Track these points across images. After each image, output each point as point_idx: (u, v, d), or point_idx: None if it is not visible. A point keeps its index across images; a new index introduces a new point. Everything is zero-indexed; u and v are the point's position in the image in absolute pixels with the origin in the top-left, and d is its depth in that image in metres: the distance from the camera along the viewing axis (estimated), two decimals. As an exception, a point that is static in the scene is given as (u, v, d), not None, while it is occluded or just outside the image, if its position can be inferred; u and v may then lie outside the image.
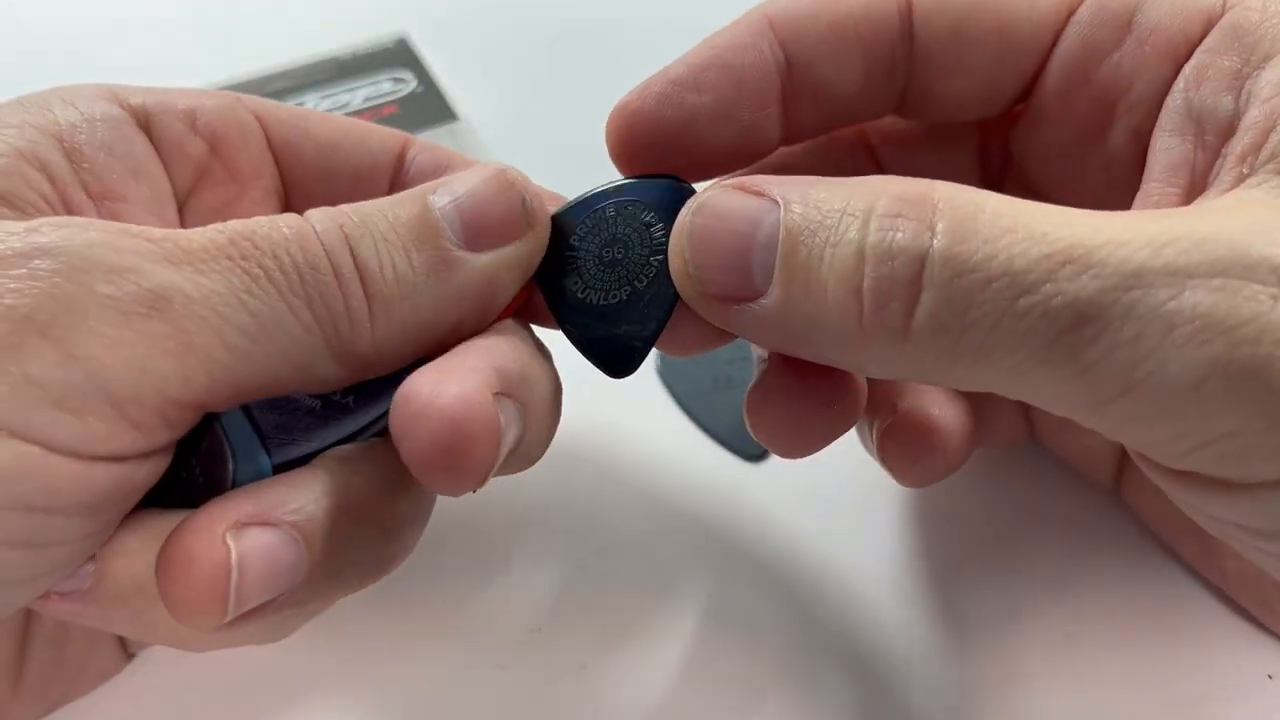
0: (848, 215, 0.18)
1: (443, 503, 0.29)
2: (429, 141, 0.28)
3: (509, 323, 0.23)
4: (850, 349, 0.19)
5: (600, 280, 0.23)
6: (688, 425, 0.31)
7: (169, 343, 0.18)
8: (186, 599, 0.18)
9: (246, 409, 0.21)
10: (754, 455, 0.30)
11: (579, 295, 0.23)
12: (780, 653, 0.26)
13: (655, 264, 0.22)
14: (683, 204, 0.21)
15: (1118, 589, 0.26)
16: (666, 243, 0.22)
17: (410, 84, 0.40)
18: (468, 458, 0.19)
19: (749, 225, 0.19)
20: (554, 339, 0.24)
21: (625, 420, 0.31)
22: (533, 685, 0.25)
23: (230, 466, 0.20)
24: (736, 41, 0.23)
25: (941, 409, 0.23)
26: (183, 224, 0.24)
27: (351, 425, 0.22)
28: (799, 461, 0.29)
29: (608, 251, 0.23)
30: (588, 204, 0.23)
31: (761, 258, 0.19)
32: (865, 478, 0.29)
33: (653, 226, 0.23)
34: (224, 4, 0.51)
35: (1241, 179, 0.18)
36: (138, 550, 0.19)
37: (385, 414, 0.21)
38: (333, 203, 0.21)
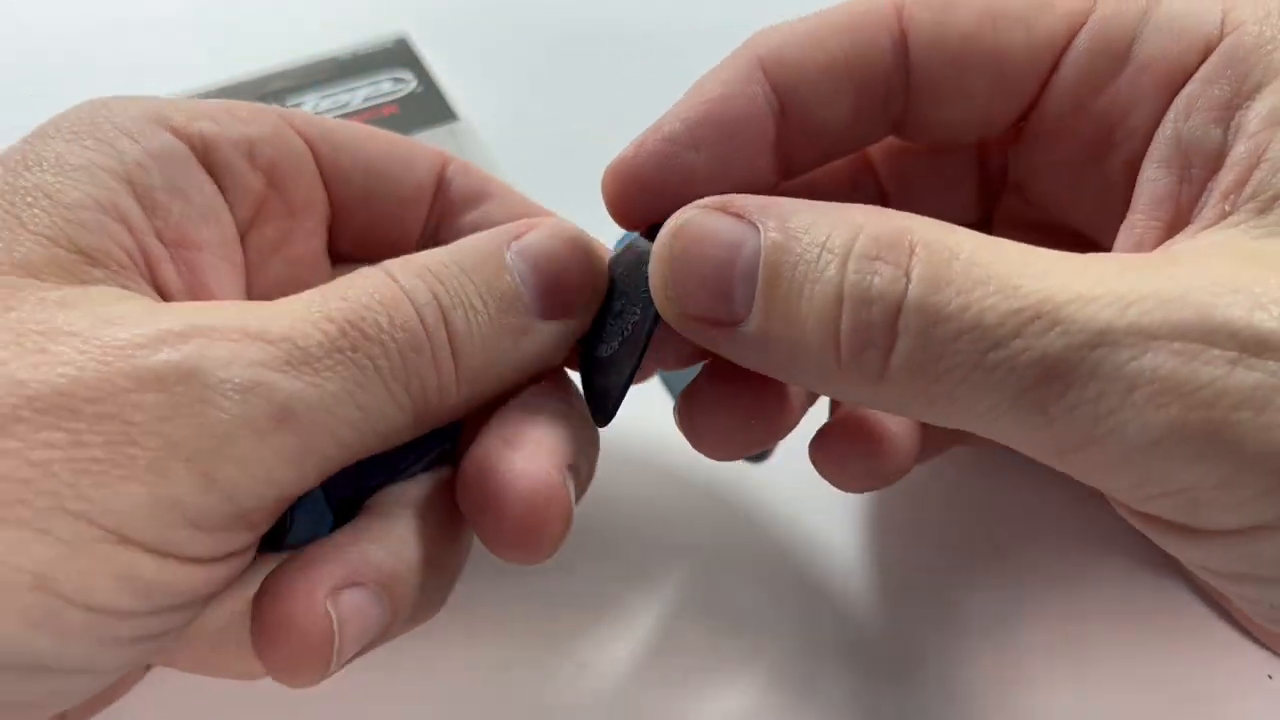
0: (827, 251, 0.18)
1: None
2: (464, 161, 0.28)
3: (564, 380, 0.24)
4: (828, 382, 0.19)
5: (610, 333, 0.23)
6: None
7: (293, 452, 0.18)
8: (291, 663, 0.19)
9: None
10: (754, 455, 0.30)
11: (596, 350, 0.23)
12: (780, 653, 0.26)
13: (635, 319, 0.22)
14: None
15: (1117, 589, 0.26)
16: None
17: (410, 84, 0.40)
18: (545, 537, 0.20)
19: (729, 250, 0.19)
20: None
21: (625, 420, 0.31)
22: (533, 685, 0.25)
23: (289, 512, 0.21)
24: (729, 90, 0.22)
25: (880, 415, 0.24)
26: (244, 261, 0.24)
27: (401, 461, 0.22)
28: (799, 462, 0.29)
29: (616, 304, 0.23)
30: (612, 263, 0.24)
31: (742, 284, 0.19)
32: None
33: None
34: (224, 4, 0.51)
35: (1223, 216, 0.18)
36: (224, 598, 0.20)
37: (437, 450, 0.23)
38: (376, 226, 0.23)
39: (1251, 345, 0.15)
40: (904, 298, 0.17)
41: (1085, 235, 0.24)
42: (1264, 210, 0.18)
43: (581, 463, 0.22)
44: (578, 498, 0.22)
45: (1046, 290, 0.16)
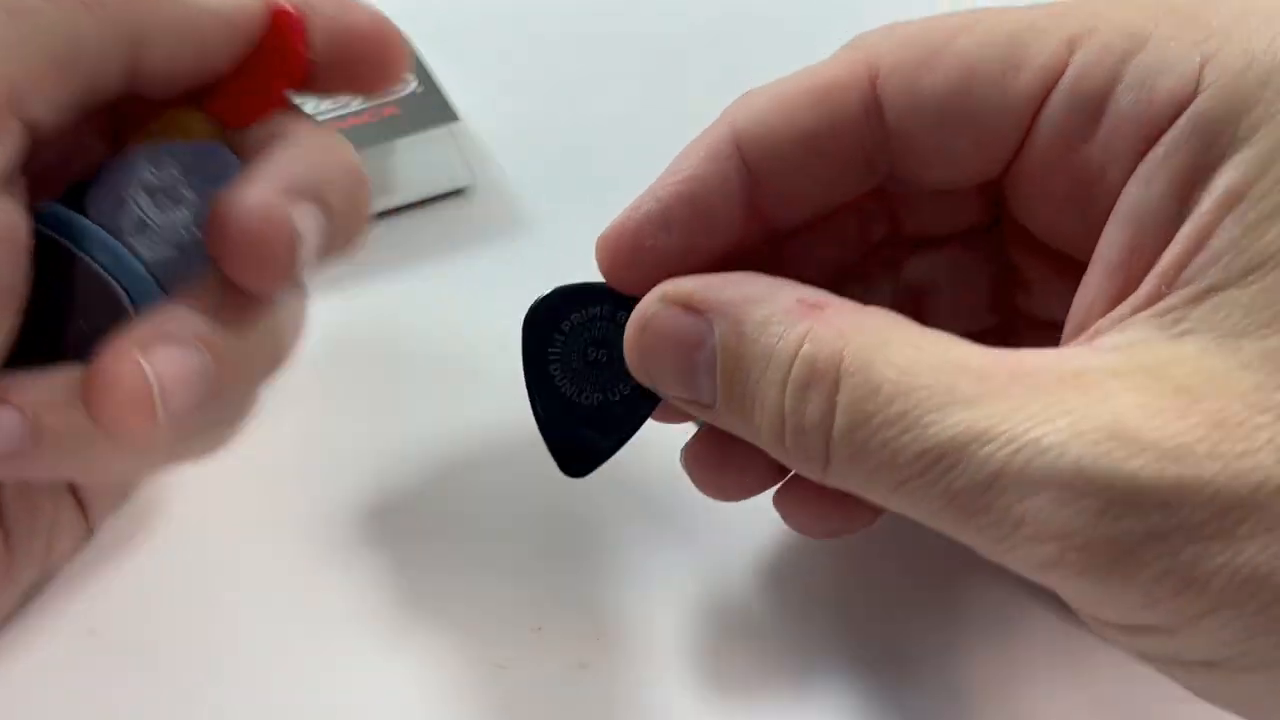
0: (772, 370, 0.20)
1: (441, 502, 0.29)
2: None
3: (301, 123, 0.25)
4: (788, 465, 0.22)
5: (580, 376, 0.25)
6: (688, 425, 0.31)
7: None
8: (118, 415, 0.22)
9: (117, 239, 0.23)
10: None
11: (557, 384, 0.25)
12: (780, 653, 0.26)
13: (631, 384, 0.24)
14: None
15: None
16: None
17: (410, 84, 0.40)
18: (271, 265, 0.23)
19: (689, 348, 0.22)
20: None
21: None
22: (533, 684, 0.25)
23: (123, 298, 0.23)
24: (700, 169, 0.23)
25: None
26: None
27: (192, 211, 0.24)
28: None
29: (592, 351, 0.25)
30: (585, 296, 0.25)
31: (705, 377, 0.22)
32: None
33: None
34: (224, 5, 0.51)
35: (1157, 298, 0.18)
36: (62, 399, 0.22)
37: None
38: None
39: (1120, 497, 0.17)
40: (831, 432, 0.19)
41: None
42: (1193, 301, 0.18)
43: (331, 195, 0.24)
44: (338, 241, 0.25)
45: (953, 428, 0.18)
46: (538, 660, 0.26)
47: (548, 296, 0.25)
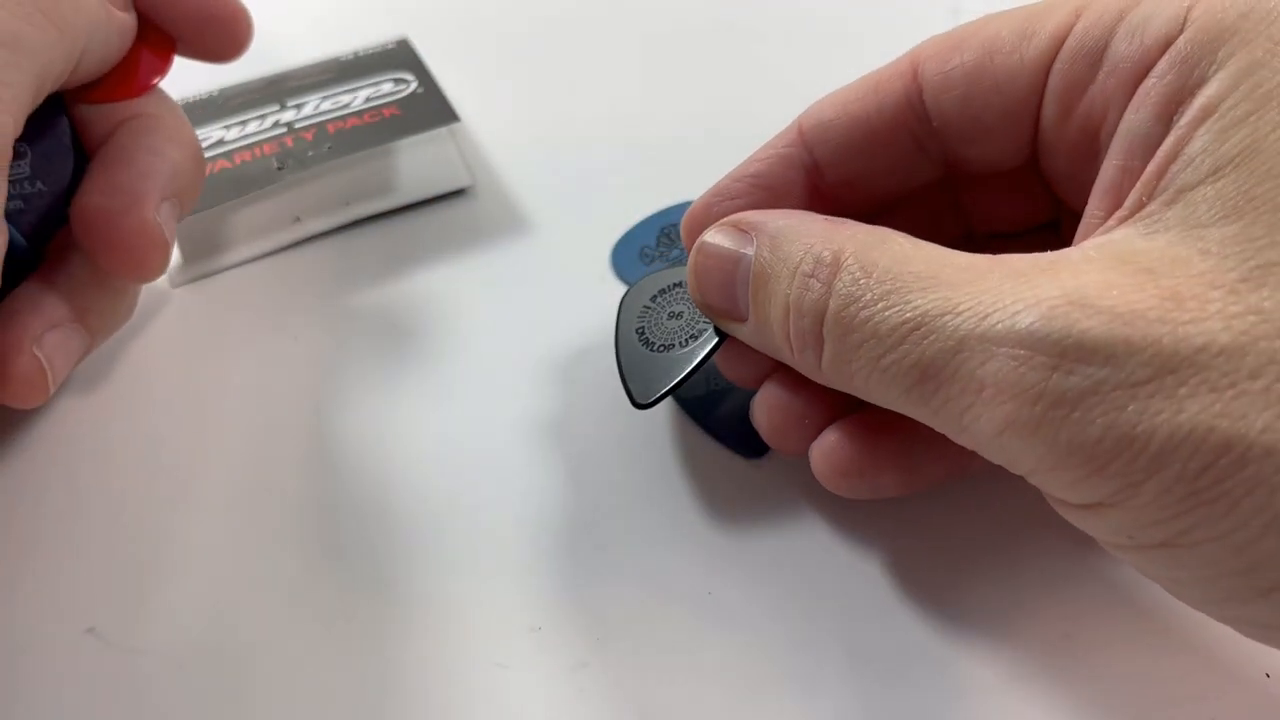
0: (788, 265, 0.23)
1: (441, 501, 0.29)
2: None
3: (157, 117, 0.29)
4: (796, 369, 0.24)
5: (658, 331, 0.29)
6: (688, 425, 0.31)
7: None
8: (18, 397, 0.27)
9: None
10: (754, 455, 0.30)
11: (638, 336, 0.29)
12: (780, 652, 0.26)
13: (698, 325, 0.28)
14: None
15: (1117, 589, 0.26)
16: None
17: (411, 85, 0.40)
18: (150, 268, 0.28)
19: (732, 263, 0.25)
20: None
21: (625, 419, 0.31)
22: (533, 684, 0.25)
23: None
24: (769, 153, 0.27)
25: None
26: None
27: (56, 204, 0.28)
28: (799, 461, 0.29)
29: (671, 316, 0.29)
30: (670, 275, 0.30)
31: (742, 290, 0.25)
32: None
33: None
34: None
35: (1139, 207, 0.20)
36: None
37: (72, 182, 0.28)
38: None
39: (1071, 352, 0.18)
40: (825, 310, 0.22)
41: None
42: (1170, 204, 0.19)
43: (183, 186, 0.29)
44: (183, 213, 0.30)
45: (931, 303, 0.20)
46: (538, 660, 0.26)
47: (642, 281, 0.30)
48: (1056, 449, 0.18)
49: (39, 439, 0.31)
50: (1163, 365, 0.17)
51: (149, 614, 0.27)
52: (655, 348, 0.28)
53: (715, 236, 0.25)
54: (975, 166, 0.26)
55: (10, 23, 0.24)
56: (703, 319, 0.28)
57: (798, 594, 0.27)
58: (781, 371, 0.27)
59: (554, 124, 0.41)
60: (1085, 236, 0.22)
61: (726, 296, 0.25)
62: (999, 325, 0.19)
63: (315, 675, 0.26)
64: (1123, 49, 0.21)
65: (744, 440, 0.30)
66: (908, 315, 0.20)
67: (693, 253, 0.26)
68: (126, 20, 0.29)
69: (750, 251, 0.24)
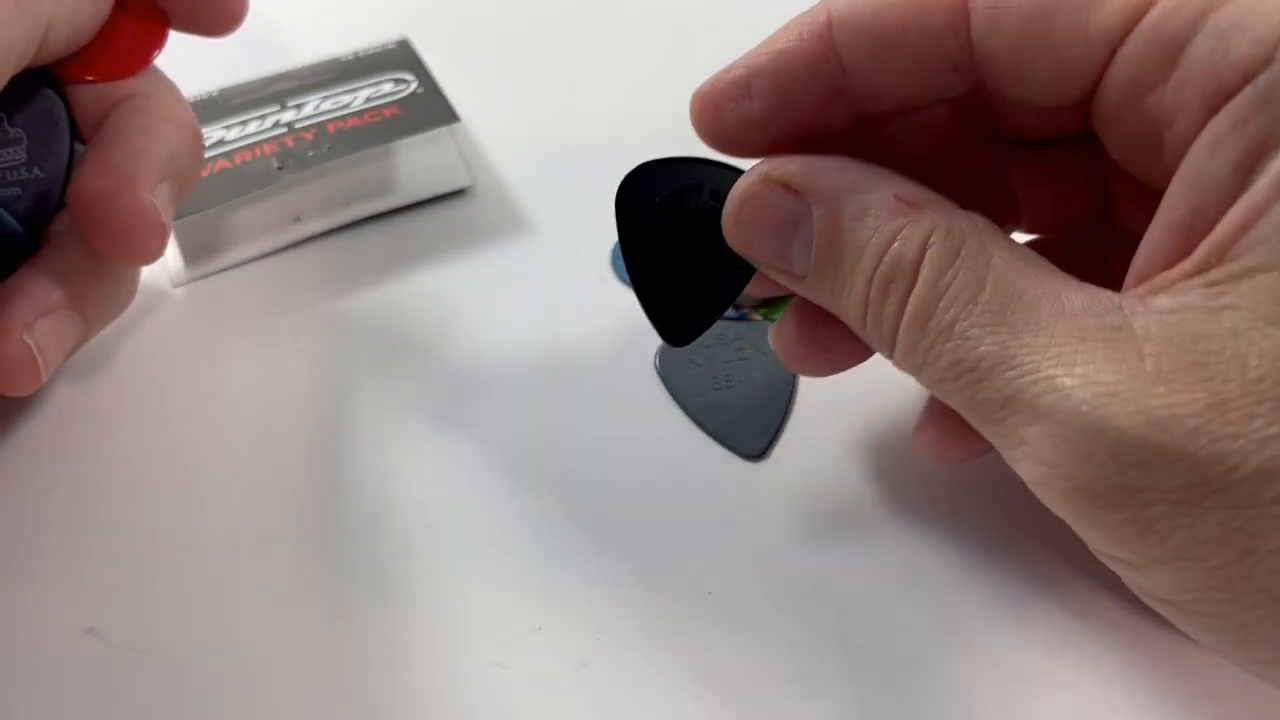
0: (865, 259, 0.22)
1: (441, 501, 0.29)
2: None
3: (151, 97, 0.29)
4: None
5: (675, 252, 0.26)
6: (688, 425, 0.31)
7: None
8: (10, 384, 0.27)
9: None
10: (754, 455, 0.30)
11: (655, 260, 0.26)
12: (780, 652, 0.26)
13: (725, 250, 0.25)
14: None
15: (1117, 588, 0.26)
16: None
17: (411, 85, 0.40)
18: (147, 251, 0.27)
19: (788, 225, 0.24)
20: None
21: (625, 419, 0.31)
22: (533, 683, 0.25)
23: None
24: (791, 46, 0.24)
25: None
26: None
27: (52, 190, 0.28)
28: (799, 461, 0.29)
29: (686, 224, 0.26)
30: (674, 171, 0.26)
31: (800, 252, 0.24)
32: (865, 477, 0.29)
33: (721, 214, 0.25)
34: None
35: (1206, 268, 0.19)
36: None
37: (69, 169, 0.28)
38: None
39: (1103, 449, 0.19)
40: (899, 323, 0.22)
41: None
42: (1240, 278, 0.19)
43: (181, 167, 0.28)
44: (183, 195, 0.29)
45: (991, 346, 0.20)
46: (538, 660, 0.26)
47: (638, 171, 0.27)
48: (1081, 520, 0.20)
49: (39, 438, 0.31)
50: (1193, 477, 0.18)
51: (149, 614, 0.27)
52: (678, 275, 0.26)
53: (765, 192, 0.24)
54: (1007, 99, 0.25)
55: None
56: (723, 240, 0.25)
57: (798, 594, 0.27)
58: (797, 310, 0.27)
59: (554, 124, 0.41)
60: (1147, 266, 0.21)
61: (776, 253, 0.24)
62: (1047, 397, 0.19)
63: (315, 675, 0.26)
64: (1202, 57, 0.20)
65: (744, 440, 0.30)
66: (963, 357, 0.21)
67: (735, 202, 0.25)
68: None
69: (808, 218, 0.23)
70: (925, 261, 0.21)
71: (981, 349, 0.20)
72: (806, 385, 0.32)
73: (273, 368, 0.33)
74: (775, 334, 0.28)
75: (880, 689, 0.25)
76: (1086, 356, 0.19)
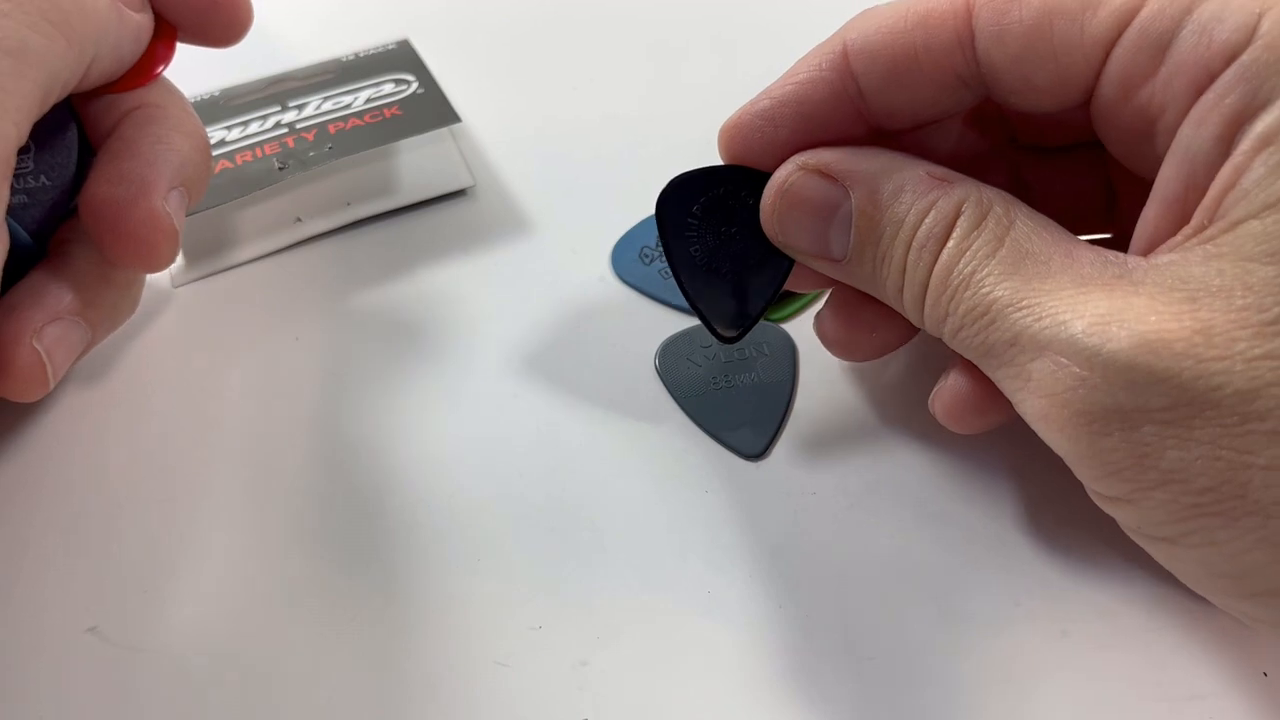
0: (904, 230, 0.24)
1: (442, 501, 0.29)
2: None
3: (161, 107, 0.29)
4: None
5: (717, 251, 0.28)
6: (688, 425, 0.31)
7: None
8: (18, 390, 0.27)
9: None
10: (754, 455, 0.30)
11: (698, 261, 0.28)
12: (780, 652, 0.26)
13: (764, 246, 0.27)
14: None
15: (1116, 589, 0.26)
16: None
17: (412, 85, 0.40)
18: (158, 258, 0.28)
19: (827, 209, 0.25)
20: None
21: (625, 419, 0.31)
22: (533, 682, 0.25)
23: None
24: (811, 76, 0.26)
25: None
26: None
27: (60, 199, 0.29)
28: (799, 461, 0.29)
29: (724, 228, 0.28)
30: (710, 179, 0.28)
31: (838, 237, 0.25)
32: (864, 477, 0.29)
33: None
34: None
35: (1201, 229, 0.21)
36: None
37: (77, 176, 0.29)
38: None
39: (1099, 368, 0.20)
40: (928, 280, 0.24)
41: None
42: (1226, 230, 0.20)
43: (191, 175, 0.29)
44: (192, 202, 0.29)
45: (1003, 292, 0.22)
46: (538, 659, 0.26)
47: (675, 183, 0.28)
48: (1079, 448, 0.21)
49: (40, 438, 0.31)
50: (1179, 397, 0.19)
51: (149, 614, 0.27)
52: (722, 273, 0.28)
53: (802, 180, 0.26)
54: (1014, 108, 0.26)
55: (17, 31, 0.23)
56: (761, 236, 0.27)
57: (797, 593, 0.27)
58: (836, 297, 0.29)
59: (555, 124, 0.41)
60: (1149, 241, 0.23)
61: (816, 240, 0.26)
62: (1048, 330, 0.21)
63: (316, 674, 0.26)
64: (1188, 49, 0.21)
65: (744, 440, 0.30)
66: (978, 303, 0.22)
67: (772, 193, 0.26)
68: (141, 21, 0.29)
69: (845, 202, 0.25)
70: (957, 225, 0.23)
71: (994, 294, 0.22)
72: (806, 385, 0.32)
73: (273, 367, 0.33)
74: (817, 325, 0.29)
75: (880, 689, 0.25)
76: (1087, 297, 0.21)
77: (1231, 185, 0.20)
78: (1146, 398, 0.19)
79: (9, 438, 0.31)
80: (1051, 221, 0.23)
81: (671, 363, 0.32)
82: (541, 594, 0.27)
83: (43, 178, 0.28)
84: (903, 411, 0.30)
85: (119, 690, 0.26)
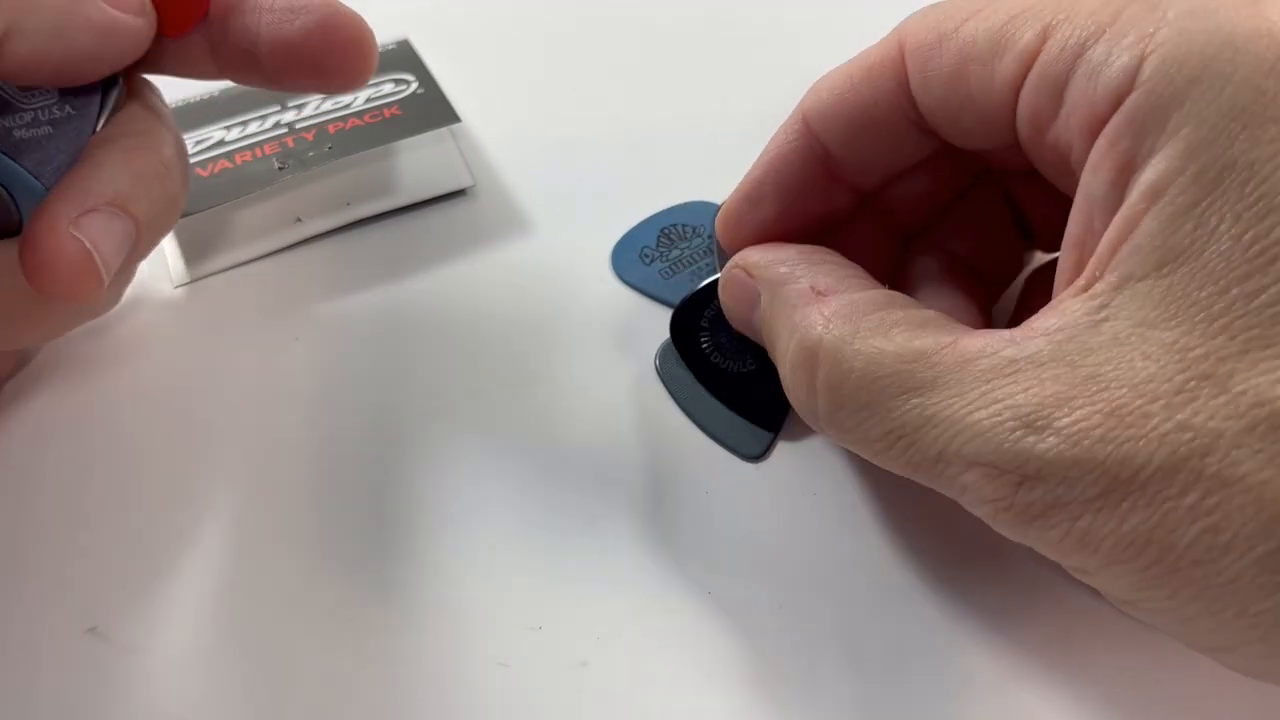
0: (780, 343, 0.26)
1: (442, 501, 0.29)
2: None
3: (145, 123, 0.28)
4: None
5: (733, 350, 0.31)
6: (688, 425, 0.31)
7: None
8: (68, 288, 0.24)
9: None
10: (754, 456, 0.30)
11: (716, 361, 0.31)
12: (780, 652, 0.26)
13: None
14: None
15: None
16: None
17: (412, 85, 0.40)
18: (71, 291, 0.24)
19: (748, 306, 0.28)
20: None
21: (626, 419, 0.31)
22: (534, 682, 0.25)
23: (13, 207, 0.26)
24: (780, 150, 0.28)
25: None
26: None
27: (85, 127, 0.27)
28: (799, 461, 0.29)
29: (732, 330, 0.30)
30: (712, 292, 0.31)
31: (759, 329, 0.28)
32: (863, 478, 0.29)
33: None
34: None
35: (1093, 281, 0.21)
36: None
37: (103, 108, 0.27)
38: None
39: (1033, 473, 0.20)
40: (817, 408, 0.24)
41: None
42: (1116, 288, 0.20)
43: (130, 190, 0.26)
44: (147, 229, 0.27)
45: (909, 413, 0.22)
46: (538, 659, 0.26)
47: (683, 303, 0.32)
48: (1030, 540, 0.21)
49: (39, 437, 0.31)
50: (1108, 485, 0.19)
51: (149, 614, 0.27)
52: (742, 369, 0.31)
53: (735, 277, 0.28)
54: (964, 148, 0.27)
55: None
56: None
57: (798, 594, 0.27)
58: None
59: (555, 124, 0.41)
60: (1057, 286, 0.23)
61: (750, 328, 0.28)
62: (970, 445, 0.21)
63: (315, 674, 0.26)
64: (1079, 93, 0.22)
65: (744, 441, 0.30)
66: (890, 427, 0.22)
67: (720, 285, 0.29)
68: (120, 22, 0.26)
69: (759, 298, 0.27)
70: (823, 348, 0.24)
71: (903, 418, 0.22)
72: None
73: (273, 368, 0.33)
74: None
75: (880, 689, 0.25)
76: (992, 396, 0.21)
77: (1123, 238, 0.20)
78: (1080, 489, 0.20)
79: (9, 437, 0.31)
80: (931, 313, 0.24)
81: (672, 363, 0.32)
82: (541, 594, 0.27)
83: (67, 107, 0.27)
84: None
85: (119, 690, 0.26)
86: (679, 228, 0.36)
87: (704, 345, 0.31)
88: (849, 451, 0.30)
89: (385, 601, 0.27)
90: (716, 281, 0.30)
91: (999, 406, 0.21)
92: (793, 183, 0.28)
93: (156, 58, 0.29)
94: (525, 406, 0.31)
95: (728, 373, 0.31)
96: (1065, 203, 0.28)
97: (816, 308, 0.25)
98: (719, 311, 0.30)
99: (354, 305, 0.35)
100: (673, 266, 0.35)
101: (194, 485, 0.30)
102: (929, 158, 0.28)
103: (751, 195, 0.28)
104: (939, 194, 0.30)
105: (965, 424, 0.21)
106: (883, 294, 0.25)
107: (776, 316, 0.26)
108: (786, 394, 0.26)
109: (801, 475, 0.29)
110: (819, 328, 0.24)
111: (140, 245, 0.27)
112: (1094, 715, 0.24)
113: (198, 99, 0.40)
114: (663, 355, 0.32)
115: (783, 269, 0.26)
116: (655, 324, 0.33)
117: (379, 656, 0.26)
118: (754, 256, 0.27)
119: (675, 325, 0.32)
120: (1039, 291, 0.29)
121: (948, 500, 0.28)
